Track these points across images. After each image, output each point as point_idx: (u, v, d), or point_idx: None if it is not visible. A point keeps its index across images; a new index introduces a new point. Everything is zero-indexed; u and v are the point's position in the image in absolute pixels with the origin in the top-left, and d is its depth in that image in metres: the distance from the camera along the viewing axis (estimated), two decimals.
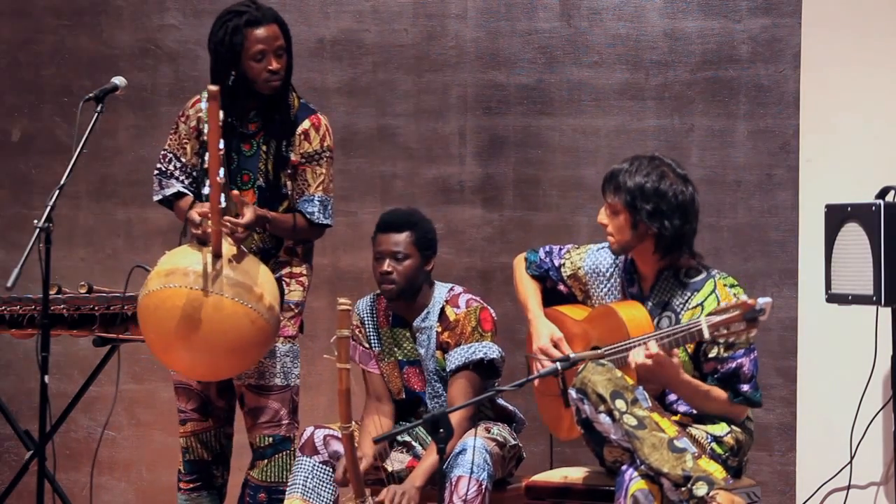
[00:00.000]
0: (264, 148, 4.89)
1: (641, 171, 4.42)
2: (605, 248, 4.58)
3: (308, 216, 4.91)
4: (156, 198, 5.01)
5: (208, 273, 4.63)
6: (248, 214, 4.70)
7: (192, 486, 5.01)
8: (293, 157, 4.90)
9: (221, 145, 4.52)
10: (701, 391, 4.37)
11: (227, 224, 4.66)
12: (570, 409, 4.41)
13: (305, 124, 4.91)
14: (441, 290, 4.89)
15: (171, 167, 4.96)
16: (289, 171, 4.90)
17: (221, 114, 4.52)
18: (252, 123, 4.91)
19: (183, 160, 4.96)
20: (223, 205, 4.59)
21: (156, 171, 5.00)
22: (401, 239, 4.79)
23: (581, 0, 6.00)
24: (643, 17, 5.95)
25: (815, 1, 5.78)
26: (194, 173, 4.96)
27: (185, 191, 4.95)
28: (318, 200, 4.92)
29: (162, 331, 4.67)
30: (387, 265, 4.78)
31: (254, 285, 4.67)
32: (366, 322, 4.96)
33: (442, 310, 4.85)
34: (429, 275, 4.86)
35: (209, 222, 4.64)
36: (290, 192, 4.92)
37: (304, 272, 4.97)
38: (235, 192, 4.74)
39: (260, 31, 4.81)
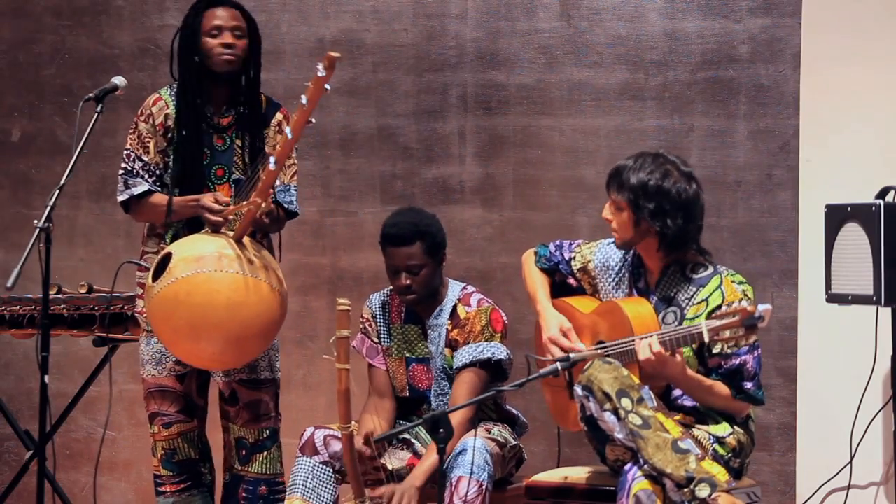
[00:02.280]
0: (238, 142, 4.90)
1: (645, 169, 4.41)
2: (614, 242, 4.59)
3: (287, 206, 4.93)
4: (120, 198, 4.96)
5: (241, 257, 4.62)
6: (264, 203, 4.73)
7: (182, 486, 5.01)
8: (267, 149, 4.90)
9: (313, 120, 4.49)
10: (704, 387, 4.37)
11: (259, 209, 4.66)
12: (576, 402, 4.40)
13: (278, 116, 4.95)
14: (455, 289, 4.90)
15: (135, 166, 4.93)
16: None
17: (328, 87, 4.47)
18: (225, 118, 4.92)
19: (145, 159, 4.93)
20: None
21: (121, 171, 4.96)
22: (414, 251, 4.77)
23: (581, 0, 5.99)
24: (643, 17, 5.95)
25: (815, 1, 5.78)
26: (157, 171, 4.93)
27: (154, 189, 4.93)
28: (294, 189, 4.97)
29: (194, 318, 4.58)
30: (404, 279, 4.78)
31: (276, 269, 4.70)
32: (377, 317, 4.97)
33: (454, 308, 4.87)
34: (442, 272, 4.88)
35: (231, 207, 4.65)
36: None
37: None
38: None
39: (218, 10, 4.87)
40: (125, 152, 4.96)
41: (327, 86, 4.35)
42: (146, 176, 4.92)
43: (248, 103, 4.91)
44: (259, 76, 4.95)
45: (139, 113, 4.96)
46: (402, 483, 4.64)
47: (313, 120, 4.46)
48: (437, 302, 4.89)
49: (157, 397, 4.97)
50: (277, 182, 4.88)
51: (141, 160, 4.92)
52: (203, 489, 5.04)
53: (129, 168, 4.93)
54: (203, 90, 4.87)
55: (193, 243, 4.68)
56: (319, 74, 4.31)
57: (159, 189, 4.91)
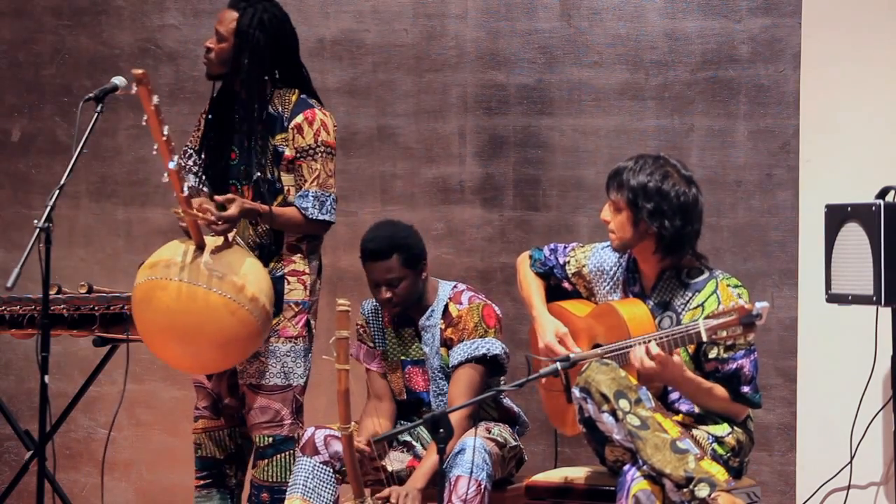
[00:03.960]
0: (260, 142, 4.89)
1: (645, 170, 4.42)
2: (610, 246, 4.58)
3: (302, 211, 4.90)
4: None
5: (186, 266, 4.65)
6: (232, 209, 4.72)
7: (202, 482, 5.03)
8: (288, 151, 4.89)
9: (166, 131, 4.52)
10: (703, 388, 4.36)
11: (203, 216, 4.66)
12: (574, 404, 4.40)
13: (299, 118, 4.91)
14: (445, 288, 4.90)
15: (189, 162, 4.98)
16: (284, 165, 4.89)
17: (156, 98, 4.50)
18: None
19: (202, 156, 4.99)
20: (185, 192, 4.60)
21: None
22: (391, 265, 4.76)
23: (581, 0, 5.99)
24: (643, 17, 5.95)
25: (815, 1, 5.78)
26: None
27: (204, 187, 4.98)
28: (313, 196, 4.90)
29: (148, 323, 4.74)
30: (384, 292, 4.78)
31: (234, 276, 4.67)
32: (370, 322, 4.96)
33: (445, 307, 4.86)
34: (426, 279, 4.87)
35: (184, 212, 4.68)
36: (283, 187, 4.90)
37: (307, 270, 4.95)
38: (204, 199, 4.78)
39: (220, 13, 4.94)
40: (183, 148, 5.03)
41: (155, 98, 4.47)
42: (199, 171, 4.99)
43: (246, 104, 4.89)
44: (242, 74, 4.87)
45: (203, 110, 5.04)
46: (404, 485, 4.64)
47: (166, 135, 4.49)
48: (428, 303, 4.88)
49: (196, 390, 5.04)
50: (304, 186, 4.87)
51: (198, 156, 5.00)
52: (224, 491, 5.03)
53: (183, 164, 4.98)
54: (234, 92, 4.91)
55: (161, 250, 4.80)
56: (133, 92, 4.48)
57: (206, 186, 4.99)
